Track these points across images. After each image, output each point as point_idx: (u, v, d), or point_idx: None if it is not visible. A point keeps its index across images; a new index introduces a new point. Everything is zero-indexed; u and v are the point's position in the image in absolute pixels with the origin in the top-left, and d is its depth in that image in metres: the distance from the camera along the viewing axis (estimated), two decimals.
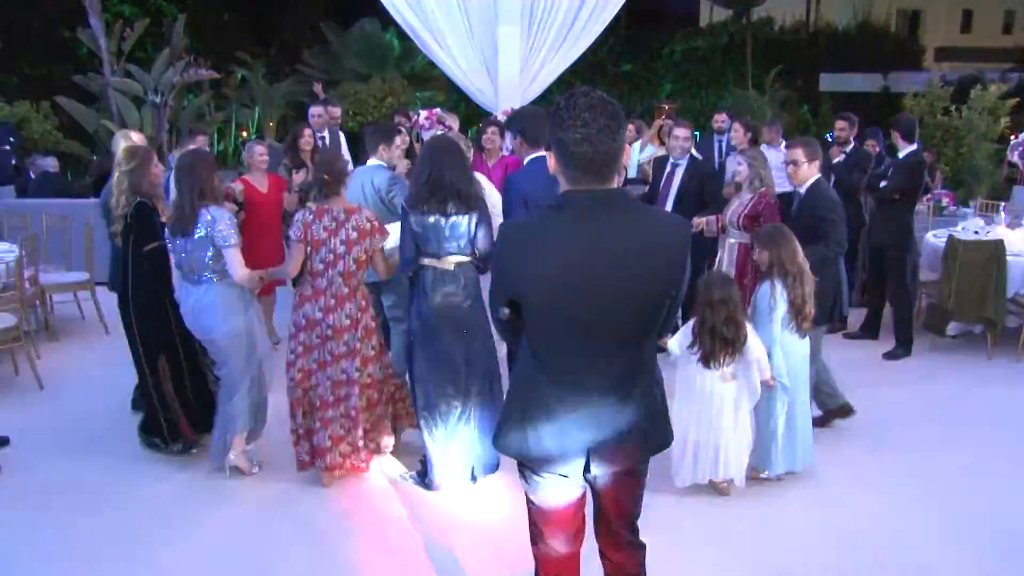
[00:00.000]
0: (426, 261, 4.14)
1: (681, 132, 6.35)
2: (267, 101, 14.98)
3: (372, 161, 5.28)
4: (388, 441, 4.54)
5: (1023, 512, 4.21)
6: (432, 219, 4.03)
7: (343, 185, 4.22)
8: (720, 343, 4.02)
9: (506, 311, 2.35)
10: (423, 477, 4.38)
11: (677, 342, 4.19)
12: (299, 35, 19.70)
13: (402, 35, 10.98)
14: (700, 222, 5.68)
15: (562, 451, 2.37)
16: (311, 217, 4.14)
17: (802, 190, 5.00)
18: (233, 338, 4.28)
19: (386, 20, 12.38)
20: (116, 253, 4.78)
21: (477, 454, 4.29)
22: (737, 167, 5.38)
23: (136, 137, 5.21)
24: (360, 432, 4.28)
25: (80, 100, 12.41)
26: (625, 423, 2.36)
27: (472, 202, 4.08)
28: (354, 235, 4.12)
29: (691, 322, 4.12)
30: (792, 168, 4.97)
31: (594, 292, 2.22)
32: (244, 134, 14.77)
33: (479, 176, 5.42)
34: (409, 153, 6.54)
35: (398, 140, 5.37)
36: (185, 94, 12.81)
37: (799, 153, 4.94)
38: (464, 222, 4.07)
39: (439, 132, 8.72)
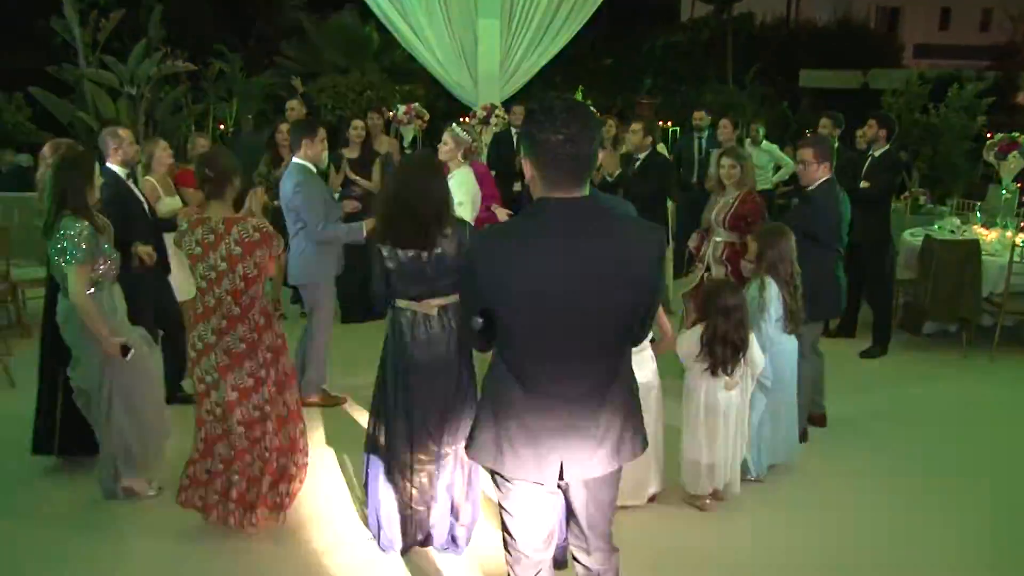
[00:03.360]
0: (401, 303, 3.55)
1: (636, 127, 6.67)
2: (245, 94, 14.83)
3: (296, 159, 5.01)
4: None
5: (1006, 507, 4.26)
6: (408, 254, 3.44)
7: (228, 187, 3.67)
8: (731, 351, 3.94)
9: (479, 320, 2.32)
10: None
11: (685, 351, 4.06)
12: (277, 27, 19.54)
13: (381, 28, 10.89)
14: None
15: (535, 459, 2.34)
16: (184, 227, 3.65)
17: (812, 189, 4.92)
18: (93, 359, 3.87)
19: (366, 12, 12.26)
20: None
21: (444, 520, 3.72)
22: (731, 169, 5.37)
23: (123, 133, 5.00)
24: (272, 478, 3.79)
25: (54, 91, 12.20)
26: (598, 431, 2.35)
27: (455, 232, 3.46)
28: (237, 250, 3.54)
29: (697, 331, 4.01)
30: (802, 168, 4.90)
31: (569, 301, 2.20)
32: (221, 127, 14.61)
33: (463, 179, 5.30)
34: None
35: (321, 133, 5.09)
36: (162, 86, 12.61)
37: (808, 153, 4.84)
38: (448, 256, 3.43)
39: (420, 127, 8.69)
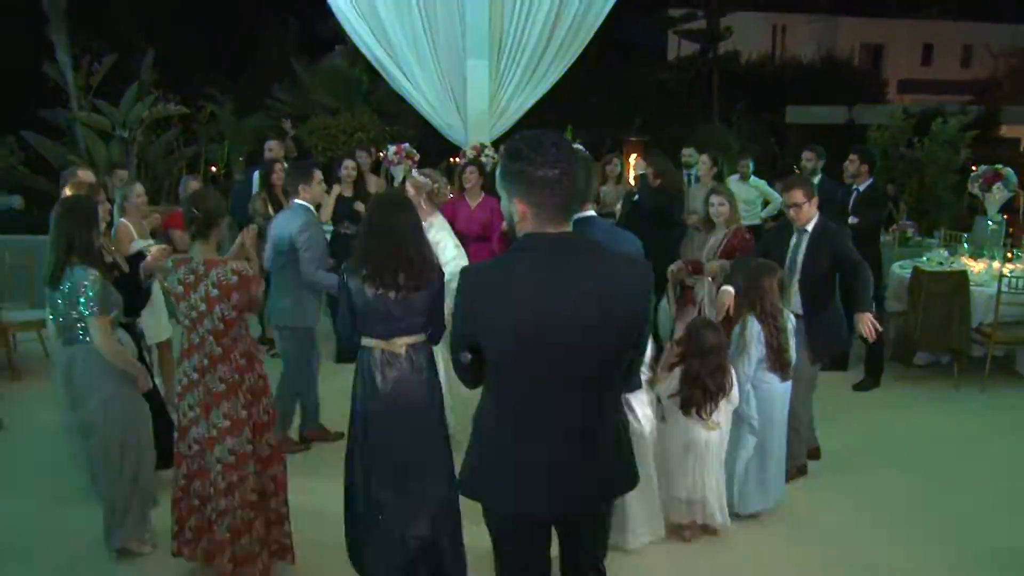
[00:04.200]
0: (369, 342, 3.51)
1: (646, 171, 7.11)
2: (236, 136, 14.91)
3: (297, 201, 5.10)
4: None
5: (1002, 537, 4.26)
6: (378, 292, 3.41)
7: (215, 228, 3.65)
8: (702, 394, 3.94)
9: (468, 356, 2.33)
10: None
11: (662, 390, 4.08)
12: (268, 69, 19.67)
13: (371, 69, 10.99)
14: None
15: (525, 495, 2.34)
16: (170, 266, 3.65)
17: (808, 228, 4.83)
18: (108, 410, 3.75)
19: (355, 54, 12.41)
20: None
21: None
22: (720, 207, 5.43)
23: (82, 174, 5.13)
24: (267, 520, 3.70)
25: (46, 135, 12.26)
26: (588, 467, 2.34)
27: (429, 273, 3.47)
28: (215, 292, 3.50)
29: (676, 374, 4.03)
30: (795, 211, 4.79)
31: (557, 337, 2.20)
32: (213, 169, 14.68)
33: (439, 223, 5.25)
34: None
35: (317, 176, 5.18)
36: (154, 129, 12.69)
37: (799, 195, 4.76)
38: (418, 298, 3.44)
39: (410, 167, 8.74)
